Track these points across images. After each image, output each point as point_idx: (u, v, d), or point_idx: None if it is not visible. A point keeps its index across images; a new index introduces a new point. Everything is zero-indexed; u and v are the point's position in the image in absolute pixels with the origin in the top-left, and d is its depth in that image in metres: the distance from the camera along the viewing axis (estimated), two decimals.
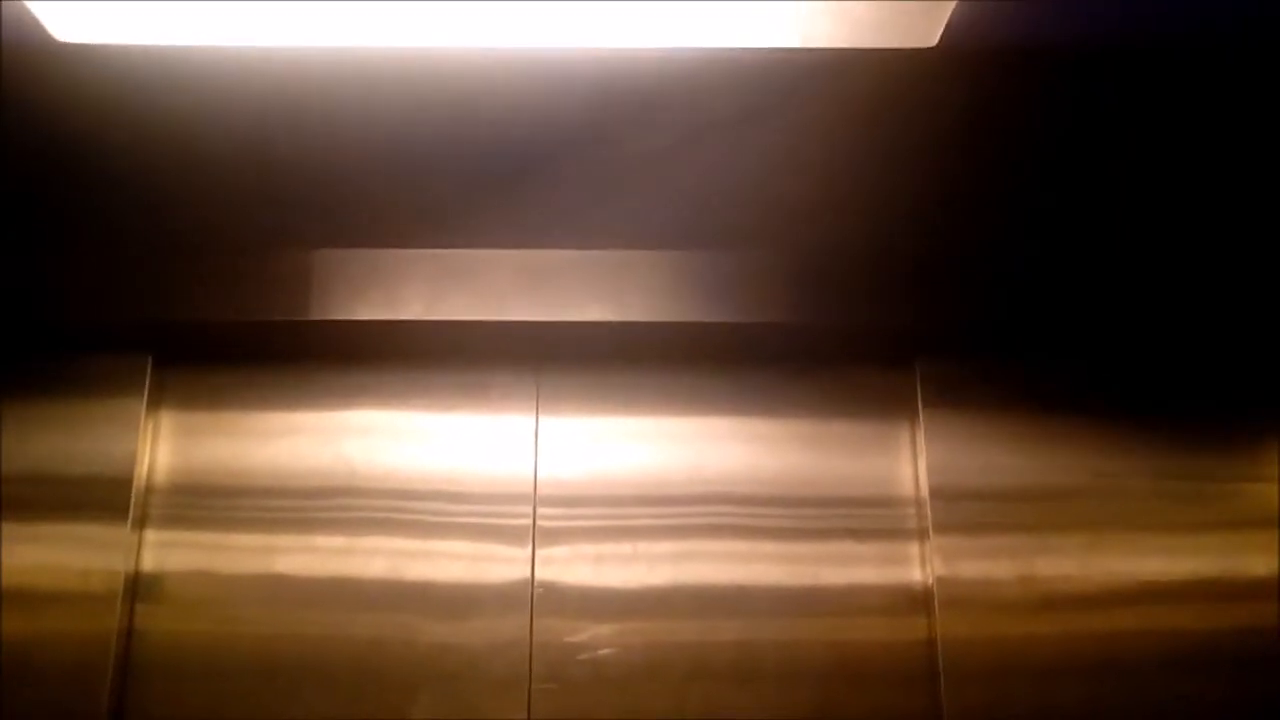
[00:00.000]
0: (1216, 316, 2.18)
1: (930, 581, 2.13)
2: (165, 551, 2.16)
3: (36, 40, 1.62)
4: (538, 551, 2.16)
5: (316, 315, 2.17)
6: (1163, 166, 1.95)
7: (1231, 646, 2.10)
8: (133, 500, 2.14)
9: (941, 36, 1.59)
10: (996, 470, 2.18)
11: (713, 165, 1.99)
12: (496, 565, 2.15)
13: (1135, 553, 2.15)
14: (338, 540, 2.17)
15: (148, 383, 2.21)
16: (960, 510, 2.16)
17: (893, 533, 2.19)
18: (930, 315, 2.18)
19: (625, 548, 2.17)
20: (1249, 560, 2.15)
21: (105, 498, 2.13)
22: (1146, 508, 2.17)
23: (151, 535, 2.16)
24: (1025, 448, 2.19)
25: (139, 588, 2.13)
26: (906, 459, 2.23)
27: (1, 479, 2.13)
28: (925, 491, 2.17)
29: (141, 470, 2.18)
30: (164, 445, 2.22)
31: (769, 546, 2.17)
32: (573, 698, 2.08)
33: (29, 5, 1.56)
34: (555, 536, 2.17)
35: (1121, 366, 2.24)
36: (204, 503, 2.19)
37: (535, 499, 2.19)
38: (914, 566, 2.16)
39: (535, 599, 2.13)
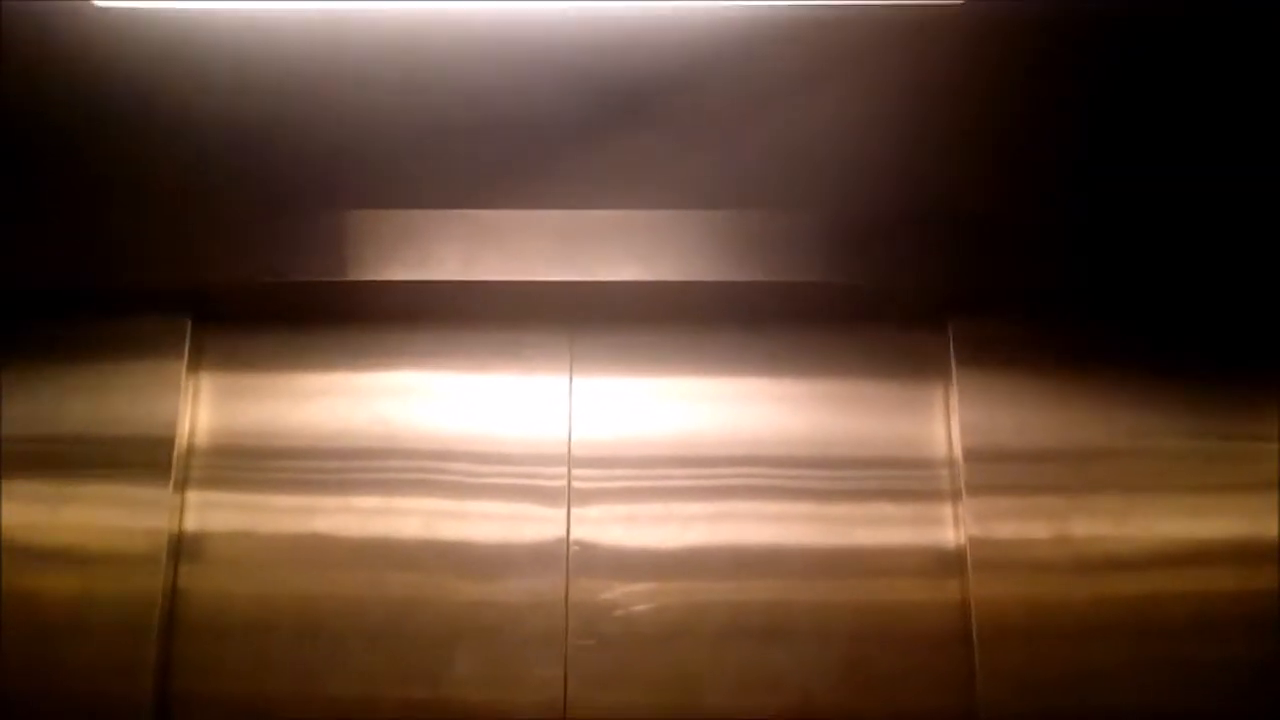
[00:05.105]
0: (1253, 273, 2.16)
1: (963, 542, 2.12)
2: (207, 512, 2.19)
3: (74, 4, 1.63)
4: (572, 511, 2.18)
5: (353, 276, 2.19)
6: (1194, 125, 1.93)
7: (1270, 608, 2.08)
8: (174, 461, 2.16)
9: None
10: (1029, 431, 2.17)
11: (745, 126, 1.99)
12: (532, 525, 2.17)
13: (1171, 513, 2.13)
14: (375, 500, 2.19)
15: (188, 344, 2.23)
16: (993, 471, 2.15)
17: (926, 494, 2.18)
18: (963, 276, 2.17)
19: (659, 508, 2.19)
20: None
21: (148, 459, 2.16)
22: (1182, 468, 2.15)
23: (193, 496, 2.19)
24: (1058, 408, 2.18)
25: (182, 548, 2.15)
26: (940, 420, 2.22)
27: (47, 439, 2.17)
28: (958, 452, 2.16)
29: (183, 431, 2.20)
30: (204, 407, 2.25)
31: (802, 507, 2.18)
32: (609, 654, 2.10)
33: None
34: (589, 497, 2.19)
35: (1156, 325, 2.22)
36: (243, 464, 2.22)
37: (569, 459, 2.21)
38: (947, 527, 2.16)
39: (570, 558, 2.15)
